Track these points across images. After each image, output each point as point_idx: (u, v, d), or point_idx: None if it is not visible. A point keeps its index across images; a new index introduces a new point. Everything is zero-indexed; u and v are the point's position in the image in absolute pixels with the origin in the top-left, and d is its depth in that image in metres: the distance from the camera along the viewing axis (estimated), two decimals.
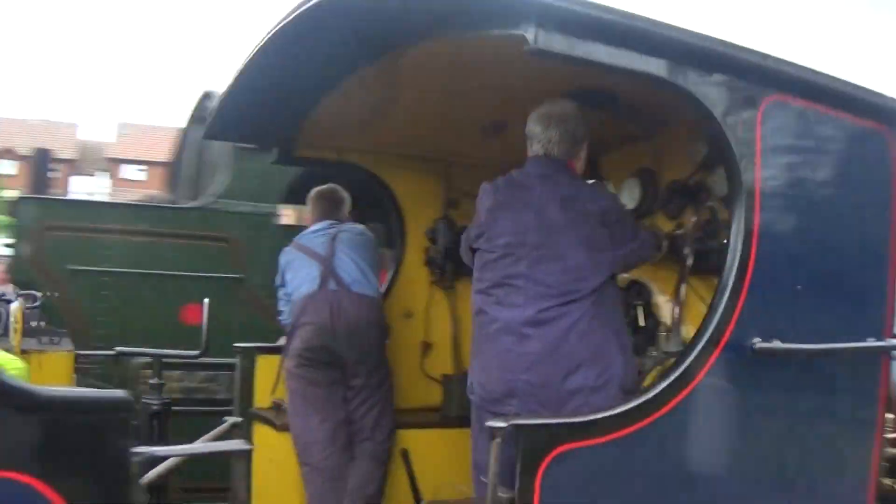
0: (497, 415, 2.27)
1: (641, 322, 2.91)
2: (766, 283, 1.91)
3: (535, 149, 2.48)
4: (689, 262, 2.75)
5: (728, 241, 2.62)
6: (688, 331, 2.67)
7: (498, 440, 1.57)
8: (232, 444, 1.81)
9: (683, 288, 2.75)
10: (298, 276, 3.26)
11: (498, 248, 2.38)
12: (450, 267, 3.64)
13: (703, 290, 2.75)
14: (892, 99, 2.17)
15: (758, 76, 1.90)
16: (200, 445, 2.45)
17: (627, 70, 1.73)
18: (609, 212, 2.40)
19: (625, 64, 1.70)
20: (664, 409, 1.77)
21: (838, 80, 2.04)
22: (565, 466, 1.64)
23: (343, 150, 3.40)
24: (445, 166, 3.64)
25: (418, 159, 3.59)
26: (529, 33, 1.59)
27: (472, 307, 2.49)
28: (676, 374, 1.80)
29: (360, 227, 3.54)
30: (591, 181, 2.80)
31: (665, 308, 2.90)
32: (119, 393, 1.35)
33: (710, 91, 1.82)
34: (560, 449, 1.63)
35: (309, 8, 2.08)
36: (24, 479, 1.17)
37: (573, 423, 1.70)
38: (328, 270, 3.21)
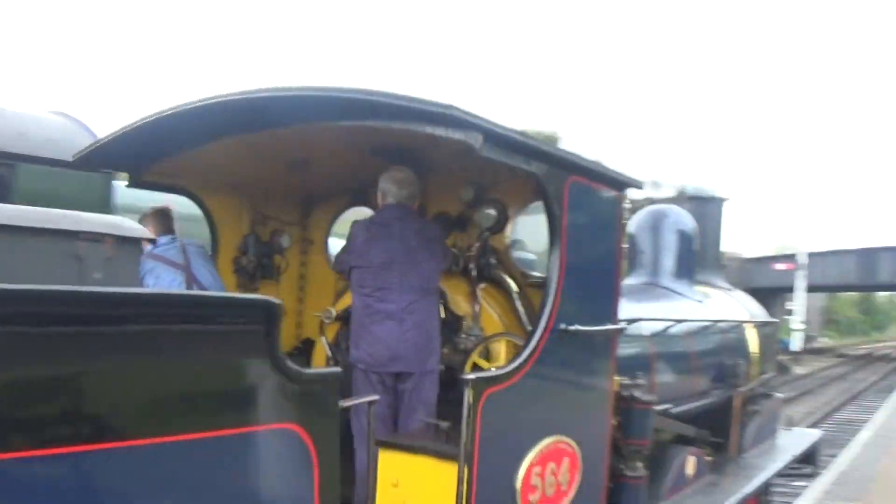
0: (384, 374, 3.94)
1: (442, 314, 4.68)
2: (568, 289, 3.78)
3: (389, 200, 4.26)
4: (474, 273, 4.66)
5: (496, 260, 4.64)
6: (483, 321, 4.57)
7: (469, 388, 3.17)
8: (370, 397, 3.03)
9: (479, 291, 4.63)
10: (162, 281, 4.32)
11: (375, 265, 4.04)
12: (257, 273, 5.06)
13: (482, 293, 4.68)
14: (620, 174, 4.27)
15: (565, 166, 3.77)
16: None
17: (511, 166, 3.44)
18: (440, 236, 4.39)
19: (516, 164, 3.42)
20: (528, 367, 3.53)
21: (599, 164, 4.04)
22: (491, 401, 3.30)
23: (176, 176, 4.54)
24: (253, 192, 5.02)
25: (231, 186, 4.91)
26: (477, 143, 3.20)
27: (356, 304, 4.07)
28: (532, 345, 3.57)
29: (197, 240, 4.71)
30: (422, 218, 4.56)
31: (459, 305, 4.72)
32: (335, 369, 2.57)
33: (547, 176, 3.64)
34: (489, 391, 3.29)
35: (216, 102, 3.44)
36: (293, 427, 2.40)
37: (493, 377, 3.37)
38: (190, 277, 4.34)
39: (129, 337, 1.99)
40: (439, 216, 4.92)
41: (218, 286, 4.51)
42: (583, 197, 3.93)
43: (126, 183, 4.38)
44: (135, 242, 2.61)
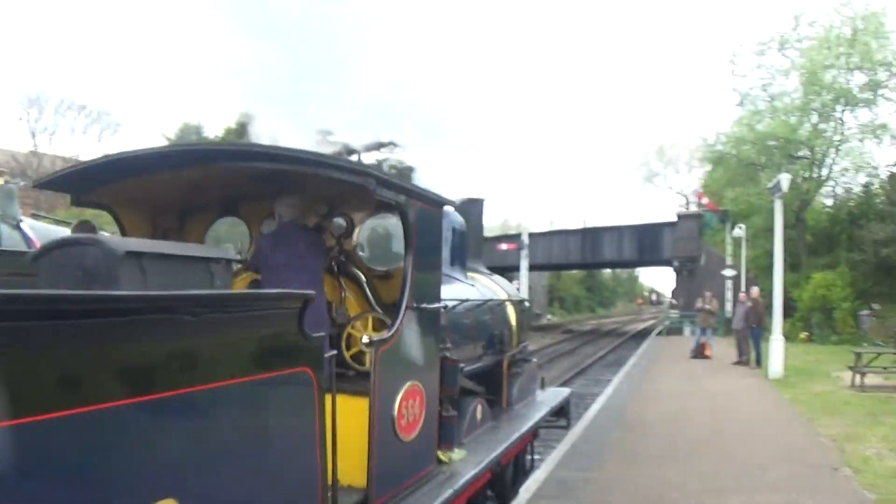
0: None
1: None
2: (417, 279, 6.36)
3: (284, 219, 6.56)
4: (335, 269, 7.13)
5: (346, 258, 7.19)
6: (348, 304, 7.03)
7: (373, 347, 5.64)
8: (332, 351, 5.28)
9: (343, 282, 7.08)
10: None
11: (278, 265, 6.35)
12: None
13: (344, 282, 7.17)
14: (442, 196, 6.92)
15: (414, 196, 6.34)
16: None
17: (388, 197, 5.94)
18: (322, 242, 6.77)
19: (388, 196, 5.92)
20: (398, 333, 6.06)
21: (429, 190, 6.65)
22: (382, 356, 5.79)
23: (103, 197, 6.50)
24: (151, 206, 7.04)
25: (138, 203, 6.90)
26: (372, 186, 5.66)
27: None
28: (399, 317, 6.09)
29: None
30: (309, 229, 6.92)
31: (326, 293, 7.13)
32: (320, 333, 4.85)
33: (406, 204, 6.18)
34: (381, 349, 5.79)
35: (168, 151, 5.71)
36: (306, 369, 4.69)
37: (383, 339, 5.86)
38: None
39: (233, 319, 4.23)
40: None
41: None
42: (423, 215, 6.51)
43: (70, 202, 6.34)
44: (231, 263, 4.61)
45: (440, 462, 7.13)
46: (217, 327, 3.87)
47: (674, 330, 48.19)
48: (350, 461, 5.71)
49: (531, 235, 47.02)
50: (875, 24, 39.82)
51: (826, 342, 35.97)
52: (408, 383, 6.26)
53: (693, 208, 54.10)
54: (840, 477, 10.29)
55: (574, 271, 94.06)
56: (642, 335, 54.24)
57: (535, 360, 12.07)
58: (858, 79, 41.55)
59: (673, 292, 59.01)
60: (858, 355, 19.92)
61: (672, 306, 55.89)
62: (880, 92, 41.37)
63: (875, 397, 17.76)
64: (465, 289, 9.68)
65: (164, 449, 3.47)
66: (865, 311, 37.08)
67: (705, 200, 52.07)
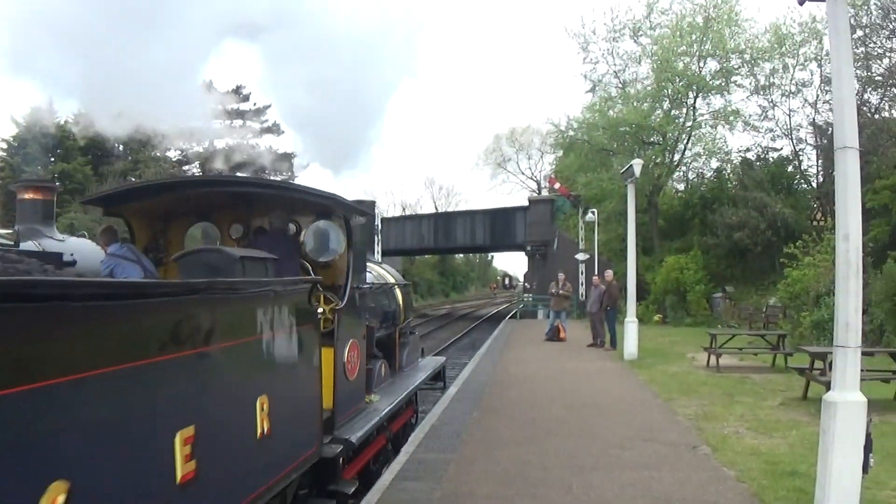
0: None
1: None
2: (354, 268, 10.28)
3: (275, 225, 10.58)
4: None
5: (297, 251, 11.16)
6: None
7: (335, 314, 9.59)
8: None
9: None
10: (128, 272, 9.59)
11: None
12: (160, 260, 10.69)
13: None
14: (364, 209, 10.89)
15: (350, 209, 10.27)
16: None
17: (339, 213, 9.86)
18: (298, 242, 10.76)
19: (340, 211, 9.85)
20: (345, 305, 9.98)
21: (358, 206, 10.62)
22: (339, 318, 9.73)
23: (122, 208, 10.13)
24: (150, 215, 10.69)
25: (142, 213, 10.52)
26: (333, 204, 9.57)
27: None
28: (347, 294, 10.01)
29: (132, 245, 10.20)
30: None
31: None
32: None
33: (347, 214, 10.11)
34: (339, 314, 9.73)
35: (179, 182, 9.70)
36: (311, 326, 8.49)
37: (340, 308, 9.79)
38: (146, 269, 9.81)
39: (285, 294, 7.99)
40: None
41: (155, 271, 10.00)
42: (357, 223, 10.41)
43: (102, 212, 9.95)
44: (274, 262, 8.45)
45: (365, 402, 11.08)
46: (279, 299, 7.69)
47: (528, 313, 52.10)
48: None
49: (384, 220, 50.77)
50: (728, 13, 45.01)
51: (680, 324, 39.66)
52: (351, 340, 10.15)
53: (545, 193, 58.25)
54: (699, 455, 11.15)
55: (427, 256, 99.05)
56: (497, 319, 57.70)
57: (417, 332, 16.22)
58: (711, 66, 46.79)
59: (526, 276, 63.21)
60: (713, 337, 21.69)
61: (526, 290, 60.08)
62: (733, 79, 46.58)
63: (730, 378, 19.07)
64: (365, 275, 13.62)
65: (257, 364, 7.25)
66: (718, 294, 40.90)
67: (557, 185, 56.32)
